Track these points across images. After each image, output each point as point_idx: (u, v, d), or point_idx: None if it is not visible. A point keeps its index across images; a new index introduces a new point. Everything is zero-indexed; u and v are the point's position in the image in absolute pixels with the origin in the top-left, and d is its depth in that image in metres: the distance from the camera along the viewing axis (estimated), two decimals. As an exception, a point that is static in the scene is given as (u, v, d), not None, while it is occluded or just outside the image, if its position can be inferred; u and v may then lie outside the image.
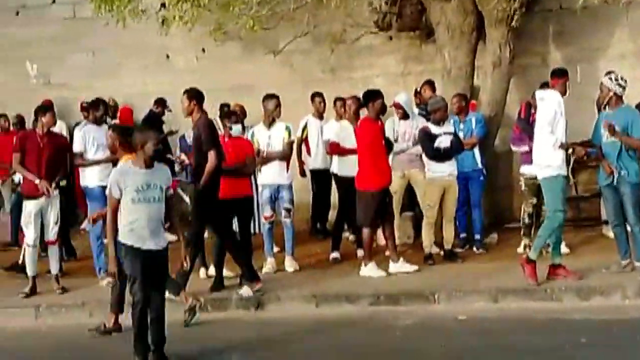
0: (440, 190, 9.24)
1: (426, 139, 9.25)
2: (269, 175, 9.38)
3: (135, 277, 6.21)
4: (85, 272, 9.51)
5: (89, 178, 9.09)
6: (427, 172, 9.31)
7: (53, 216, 8.70)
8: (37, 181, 8.53)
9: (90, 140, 9.09)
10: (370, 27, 11.49)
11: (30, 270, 8.66)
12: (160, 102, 11.66)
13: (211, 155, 8.01)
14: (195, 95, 8.27)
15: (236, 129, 8.92)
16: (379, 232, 9.28)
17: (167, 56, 12.93)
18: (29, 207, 8.53)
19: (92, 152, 9.11)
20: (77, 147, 9.18)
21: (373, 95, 9.00)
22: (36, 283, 8.70)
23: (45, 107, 9.18)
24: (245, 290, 8.26)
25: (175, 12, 10.78)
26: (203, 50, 12.72)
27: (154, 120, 11.47)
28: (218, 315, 8.02)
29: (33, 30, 13.09)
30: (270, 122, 9.45)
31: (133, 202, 6.15)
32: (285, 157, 9.46)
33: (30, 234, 8.59)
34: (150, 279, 6.21)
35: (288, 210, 9.40)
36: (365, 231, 8.85)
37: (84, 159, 9.13)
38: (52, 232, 8.74)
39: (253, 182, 9.45)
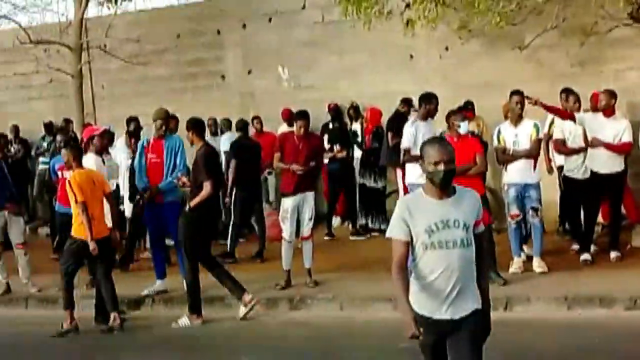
0: None
1: None
2: (516, 173, 9.17)
3: (424, 355, 4.47)
4: (338, 267, 9.87)
5: (412, 175, 9.06)
6: None
7: (308, 212, 9.08)
8: (294, 166, 8.94)
9: (420, 136, 9.04)
10: (624, 18, 10.91)
11: (285, 264, 9.10)
12: (406, 102, 11.77)
13: (206, 186, 8.22)
14: (192, 125, 8.54)
15: (464, 126, 8.74)
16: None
17: (411, 56, 13.05)
18: (286, 204, 8.98)
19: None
20: (405, 143, 9.22)
21: None
22: (290, 276, 9.12)
23: (303, 113, 9.49)
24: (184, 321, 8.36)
25: (420, 11, 10.88)
26: (446, 48, 12.73)
27: (399, 120, 11.61)
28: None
29: (285, 35, 13.79)
30: (516, 120, 9.25)
31: (424, 247, 4.27)
32: (532, 155, 9.21)
33: (286, 229, 9.03)
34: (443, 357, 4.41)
35: (536, 210, 9.14)
36: None
37: (411, 154, 9.09)
38: (306, 228, 9.12)
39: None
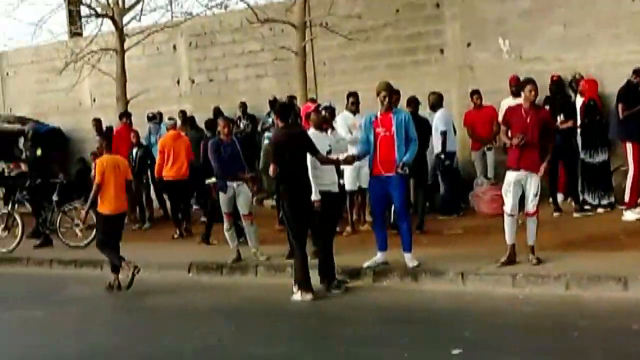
0: None
1: None
2: None
3: None
4: (562, 245, 9.56)
5: None
6: None
7: (533, 188, 8.80)
8: (514, 141, 8.72)
9: None
10: None
11: (509, 239, 8.87)
12: (639, 73, 11.13)
13: (271, 169, 8.86)
14: (277, 109, 9.40)
15: None
16: None
17: (643, 24, 12.37)
18: (509, 177, 8.79)
19: None
20: None
21: None
22: (514, 251, 8.92)
23: (531, 79, 9.09)
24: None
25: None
26: (682, 15, 11.95)
27: (632, 91, 11.01)
28: None
29: (506, 6, 13.48)
30: None
31: None
32: None
33: (508, 202, 8.85)
34: None
35: None
36: None
37: None
38: (531, 204, 8.86)
39: None
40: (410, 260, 9.32)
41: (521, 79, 12.04)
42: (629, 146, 10.90)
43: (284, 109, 9.39)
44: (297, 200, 8.80)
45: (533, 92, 8.81)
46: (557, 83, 12.40)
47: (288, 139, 8.95)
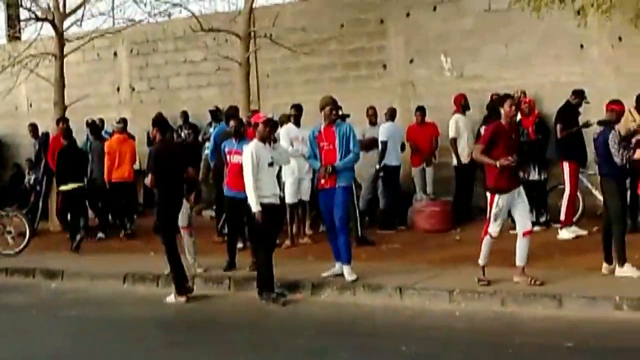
0: None
1: None
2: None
3: None
4: (496, 262, 9.62)
5: None
6: None
7: (526, 201, 8.75)
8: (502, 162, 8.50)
9: None
10: None
11: (484, 260, 8.79)
12: (578, 93, 11.27)
13: (147, 179, 9.50)
14: (156, 123, 9.98)
15: None
16: None
17: (582, 46, 12.57)
18: (501, 202, 8.54)
19: None
20: None
21: None
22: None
23: (510, 94, 9.04)
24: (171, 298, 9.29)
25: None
26: (619, 38, 12.19)
27: (570, 112, 11.19)
28: None
29: (449, 24, 13.60)
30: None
31: None
32: None
33: (497, 226, 8.68)
34: None
35: None
36: None
37: None
38: (529, 221, 8.88)
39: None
40: (349, 273, 9.28)
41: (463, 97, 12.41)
42: (565, 166, 11.06)
43: (163, 124, 10.11)
44: (169, 207, 9.43)
45: (513, 107, 8.59)
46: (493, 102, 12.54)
47: (168, 152, 9.58)
